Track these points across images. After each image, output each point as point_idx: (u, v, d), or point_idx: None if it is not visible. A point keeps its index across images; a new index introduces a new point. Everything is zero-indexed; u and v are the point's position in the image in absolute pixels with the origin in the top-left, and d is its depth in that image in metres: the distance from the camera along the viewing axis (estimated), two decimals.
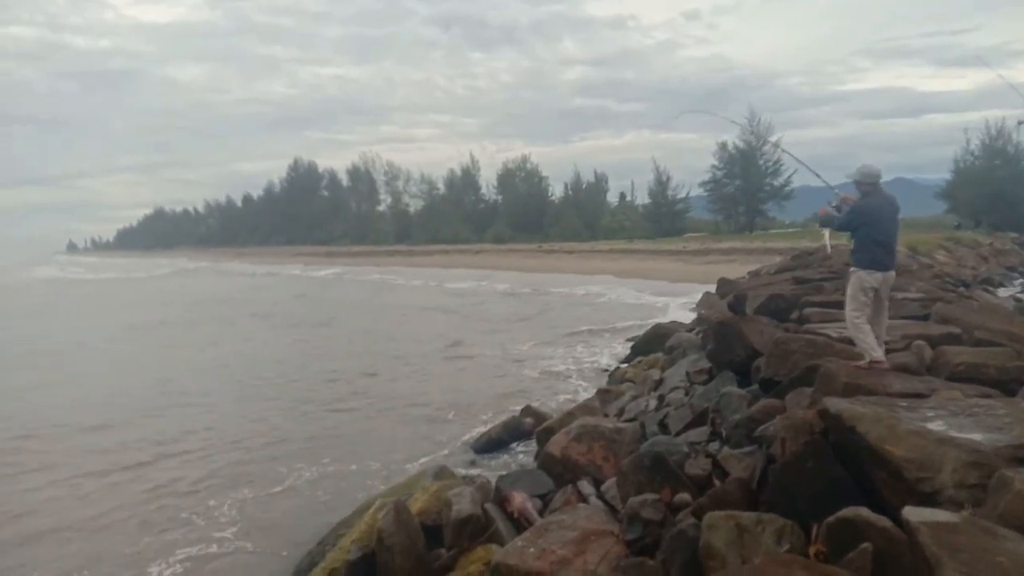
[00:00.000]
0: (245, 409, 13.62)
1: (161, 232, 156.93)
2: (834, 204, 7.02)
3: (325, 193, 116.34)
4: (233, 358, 19.48)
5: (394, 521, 6.03)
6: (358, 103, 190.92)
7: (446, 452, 10.40)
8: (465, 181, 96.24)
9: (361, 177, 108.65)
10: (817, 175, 8.44)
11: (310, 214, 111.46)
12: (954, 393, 4.98)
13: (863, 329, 6.21)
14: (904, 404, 4.54)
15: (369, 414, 12.98)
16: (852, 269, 6.51)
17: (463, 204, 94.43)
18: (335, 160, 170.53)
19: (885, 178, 6.85)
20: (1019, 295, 22.03)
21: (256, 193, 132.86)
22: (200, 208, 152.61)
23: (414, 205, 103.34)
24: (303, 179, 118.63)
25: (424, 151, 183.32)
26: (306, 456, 10.50)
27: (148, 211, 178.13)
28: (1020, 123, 54.01)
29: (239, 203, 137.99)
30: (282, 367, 17.85)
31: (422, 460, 10.00)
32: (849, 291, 6.46)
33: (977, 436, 3.83)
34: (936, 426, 4.01)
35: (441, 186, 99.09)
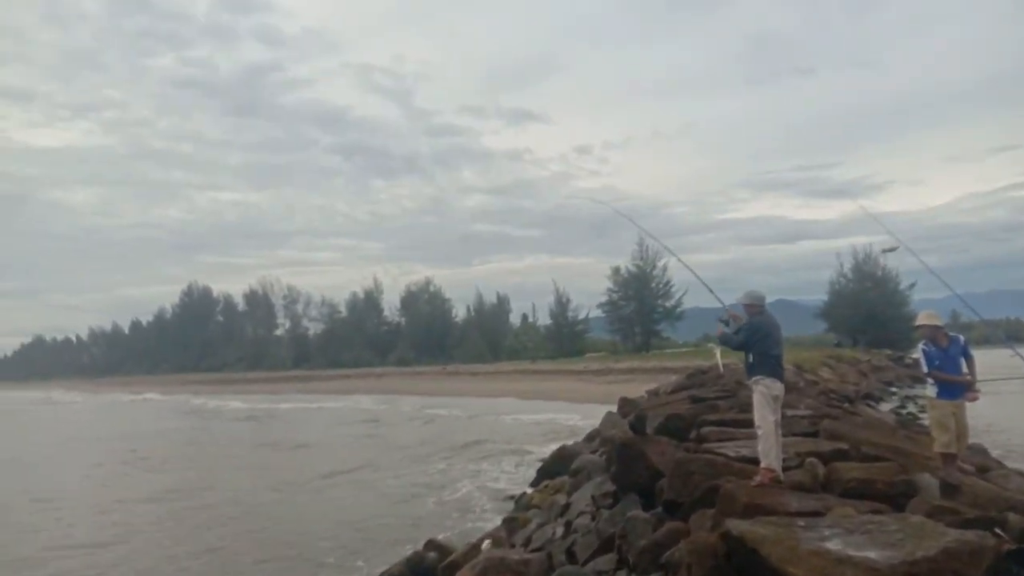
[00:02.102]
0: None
1: (39, 361, 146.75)
2: (724, 319, 7.40)
3: (220, 319, 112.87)
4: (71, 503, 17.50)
5: None
6: (257, 228, 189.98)
7: None
8: (368, 304, 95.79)
9: (258, 301, 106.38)
10: (711, 290, 8.76)
11: (203, 340, 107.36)
12: (848, 510, 5.10)
13: (773, 438, 6.51)
14: (802, 523, 4.60)
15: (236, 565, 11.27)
16: (757, 379, 6.83)
17: (365, 327, 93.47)
18: (231, 285, 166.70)
19: (768, 300, 7.34)
20: (898, 409, 23.36)
21: (146, 319, 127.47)
22: (83, 336, 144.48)
23: (314, 329, 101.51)
24: (197, 304, 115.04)
25: (325, 274, 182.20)
26: None
27: (26, 339, 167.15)
28: (884, 251, 59.35)
29: (126, 330, 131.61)
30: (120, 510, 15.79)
31: None
32: (758, 400, 6.76)
33: (872, 554, 3.90)
34: (833, 545, 4.06)
35: (343, 309, 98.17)
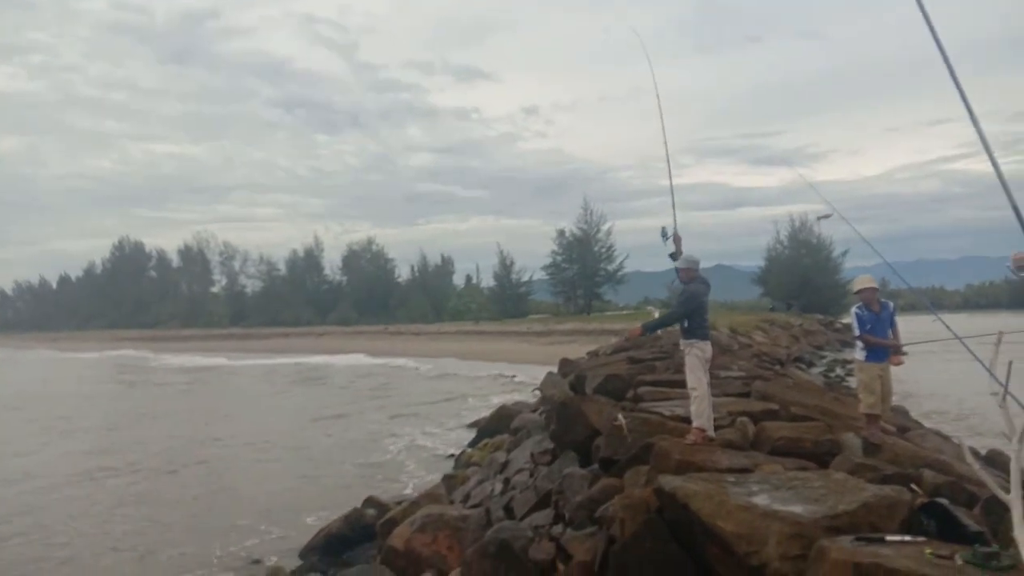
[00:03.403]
0: None
1: None
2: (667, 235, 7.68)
3: (153, 274, 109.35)
4: None
5: None
6: (195, 181, 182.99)
7: (275, 559, 9.24)
8: (308, 262, 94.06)
9: (194, 257, 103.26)
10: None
11: (135, 297, 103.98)
12: (775, 467, 5.29)
13: (707, 400, 6.74)
14: (732, 479, 4.75)
15: (166, 522, 11.16)
16: (691, 342, 7.01)
17: (306, 286, 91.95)
18: (168, 240, 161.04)
19: (707, 264, 7.51)
20: (827, 372, 24.28)
21: (75, 274, 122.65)
22: (8, 290, 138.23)
23: (252, 286, 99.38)
24: (128, 259, 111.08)
25: (265, 231, 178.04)
26: None
27: None
28: (819, 218, 61.17)
29: (54, 284, 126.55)
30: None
31: None
32: (693, 363, 6.94)
33: (797, 508, 4.06)
34: (761, 500, 4.20)
35: (282, 267, 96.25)
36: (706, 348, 7.05)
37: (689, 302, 7.15)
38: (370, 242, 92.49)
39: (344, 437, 18.05)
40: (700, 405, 6.72)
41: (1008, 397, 3.10)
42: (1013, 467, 2.77)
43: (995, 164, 2.88)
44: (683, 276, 7.31)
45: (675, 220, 7.85)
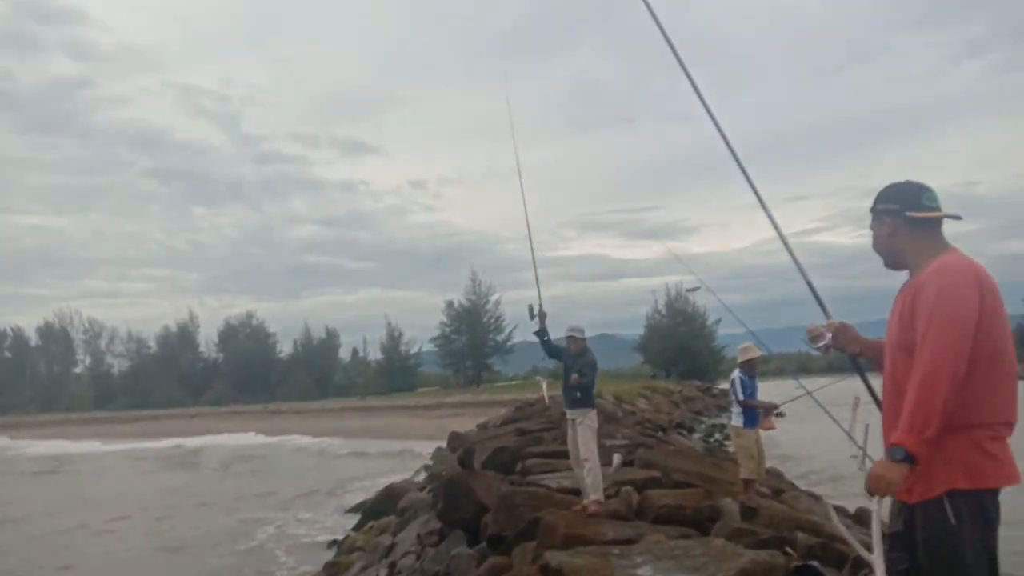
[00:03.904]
0: None
1: None
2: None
3: (7, 355, 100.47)
4: None
5: None
6: (58, 255, 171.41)
7: None
8: (182, 339, 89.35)
9: (54, 336, 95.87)
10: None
11: None
12: (658, 536, 5.34)
13: (600, 471, 6.83)
14: (617, 551, 4.75)
15: None
16: (584, 411, 7.06)
17: (179, 364, 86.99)
18: (25, 318, 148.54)
19: (591, 333, 7.65)
20: (707, 437, 25.07)
21: None
22: None
23: (119, 366, 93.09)
24: None
25: (136, 307, 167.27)
26: None
27: None
28: (688, 290, 64.32)
29: None
30: None
31: None
32: (588, 435, 6.95)
33: None
34: (644, 572, 4.22)
35: (153, 345, 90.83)
36: (595, 417, 7.16)
37: (593, 371, 7.19)
38: (249, 316, 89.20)
39: (205, 527, 16.80)
40: (597, 478, 6.73)
41: (867, 460, 3.27)
42: (874, 526, 2.90)
43: (783, 239, 3.14)
44: (578, 347, 7.30)
45: (539, 296, 7.81)
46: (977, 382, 2.42)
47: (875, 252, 2.81)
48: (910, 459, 2.36)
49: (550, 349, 7.47)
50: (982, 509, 2.43)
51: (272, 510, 18.41)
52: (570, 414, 7.21)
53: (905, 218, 2.66)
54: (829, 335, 2.82)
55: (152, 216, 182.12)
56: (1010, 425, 2.50)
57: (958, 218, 2.70)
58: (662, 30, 3.42)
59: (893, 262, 2.73)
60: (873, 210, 2.76)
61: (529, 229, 8.28)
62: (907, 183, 2.72)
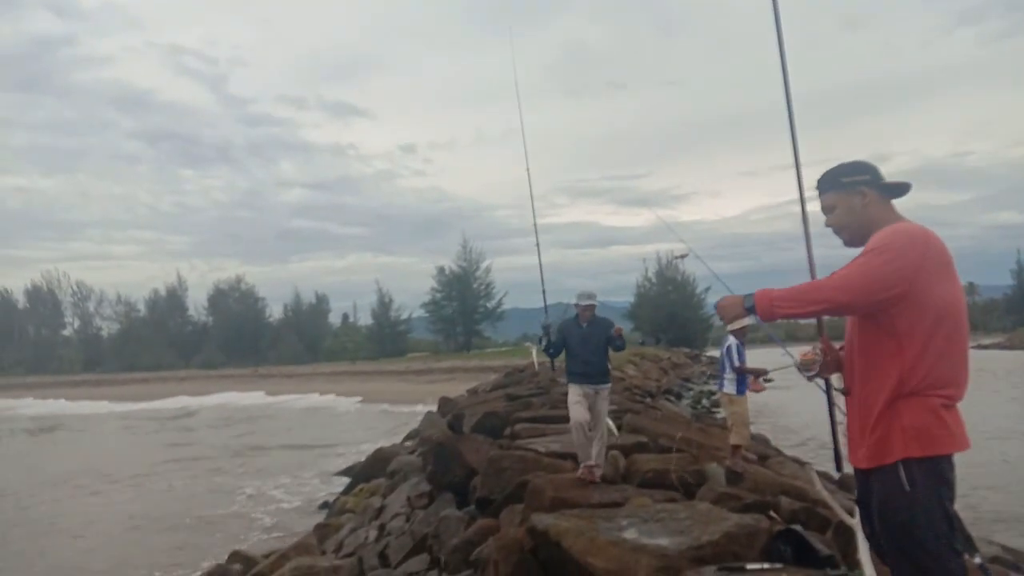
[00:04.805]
0: None
1: None
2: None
3: None
4: None
5: None
6: (45, 216, 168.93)
7: None
8: (171, 302, 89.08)
9: (42, 298, 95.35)
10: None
11: None
12: (644, 500, 5.40)
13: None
14: (603, 514, 4.81)
15: None
16: (609, 384, 7.22)
17: (168, 327, 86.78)
18: (12, 280, 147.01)
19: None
20: (695, 403, 25.31)
21: None
22: None
23: (108, 329, 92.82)
24: None
25: (124, 270, 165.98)
26: None
27: None
28: (675, 257, 64.45)
29: None
30: None
31: None
32: (606, 406, 7.07)
33: (664, 541, 4.15)
34: (630, 534, 4.27)
35: (142, 308, 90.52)
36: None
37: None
38: (239, 280, 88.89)
39: (201, 484, 16.94)
40: (604, 447, 6.83)
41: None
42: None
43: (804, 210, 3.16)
44: (591, 314, 7.17)
45: (546, 308, 7.84)
46: (929, 349, 2.46)
47: (837, 230, 2.79)
48: (752, 311, 2.58)
49: (557, 349, 7.38)
50: (938, 473, 2.46)
51: (261, 474, 18.56)
52: (594, 388, 6.91)
53: (880, 186, 2.69)
54: (819, 360, 2.81)
55: (139, 178, 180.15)
56: (960, 389, 2.53)
57: (910, 185, 2.72)
58: None
59: (860, 236, 2.69)
60: (843, 184, 2.73)
61: (535, 215, 8.31)
62: (861, 159, 2.78)
